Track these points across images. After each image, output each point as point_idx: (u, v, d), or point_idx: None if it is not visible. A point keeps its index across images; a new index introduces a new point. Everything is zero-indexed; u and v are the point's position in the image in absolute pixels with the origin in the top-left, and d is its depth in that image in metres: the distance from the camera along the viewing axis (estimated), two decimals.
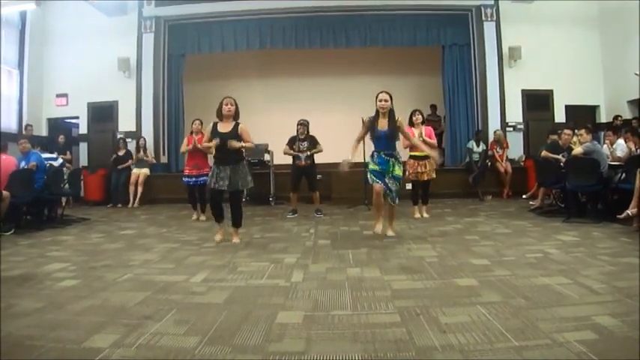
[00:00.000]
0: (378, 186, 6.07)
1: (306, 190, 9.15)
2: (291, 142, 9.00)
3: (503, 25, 12.82)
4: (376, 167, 6.07)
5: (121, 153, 12.17)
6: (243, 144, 6.03)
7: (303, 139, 8.94)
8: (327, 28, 13.23)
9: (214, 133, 6.08)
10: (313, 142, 8.99)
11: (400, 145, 6.67)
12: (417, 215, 8.38)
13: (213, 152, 6.16)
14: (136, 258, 5.40)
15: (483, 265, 4.65)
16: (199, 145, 6.65)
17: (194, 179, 8.51)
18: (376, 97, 6.11)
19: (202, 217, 8.58)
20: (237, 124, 6.11)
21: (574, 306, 3.31)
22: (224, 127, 6.08)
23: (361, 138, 6.34)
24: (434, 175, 8.27)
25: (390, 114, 6.05)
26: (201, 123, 8.62)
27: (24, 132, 11.73)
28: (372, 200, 6.35)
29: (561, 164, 8.16)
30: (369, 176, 6.18)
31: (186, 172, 8.62)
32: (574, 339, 2.69)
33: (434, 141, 8.13)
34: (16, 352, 2.72)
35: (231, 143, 5.93)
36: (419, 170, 8.08)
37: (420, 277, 4.23)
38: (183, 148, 8.73)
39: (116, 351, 2.71)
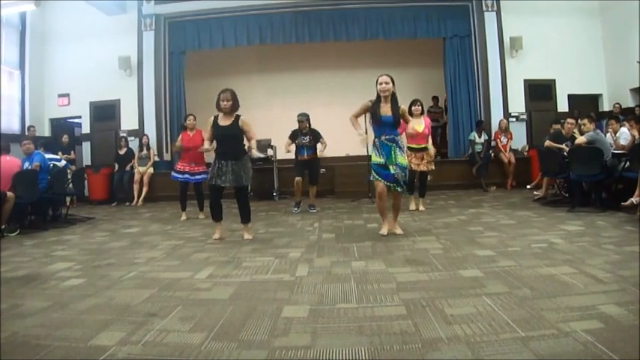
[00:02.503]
0: (381, 185, 5.82)
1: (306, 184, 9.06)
2: (294, 137, 8.86)
3: (504, 15, 12.78)
4: (379, 160, 5.77)
5: (122, 152, 12.20)
6: (253, 151, 6.06)
7: (306, 134, 8.83)
8: (327, 22, 13.21)
9: (215, 127, 6.04)
10: (316, 136, 8.87)
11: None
12: (413, 207, 8.27)
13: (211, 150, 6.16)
14: (140, 256, 5.41)
15: (488, 256, 4.65)
16: (200, 149, 6.64)
17: (186, 176, 8.32)
18: (376, 81, 5.82)
19: (201, 216, 8.47)
20: (237, 117, 6.05)
21: (579, 295, 3.30)
22: (224, 121, 6.02)
23: (357, 116, 5.97)
24: (432, 167, 8.16)
25: (393, 98, 5.79)
26: (195, 118, 8.57)
27: (27, 133, 11.75)
28: (376, 203, 6.09)
29: (565, 154, 8.12)
30: (371, 170, 5.94)
31: (178, 167, 8.43)
32: (580, 328, 2.69)
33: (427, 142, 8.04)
34: (22, 351, 2.72)
35: (252, 153, 6.05)
36: (414, 162, 7.82)
37: (425, 269, 4.23)
38: (176, 147, 8.81)
39: (122, 349, 2.72)
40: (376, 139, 5.87)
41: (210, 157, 6.57)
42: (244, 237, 6.19)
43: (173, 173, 8.52)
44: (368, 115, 6.03)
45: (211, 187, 6.16)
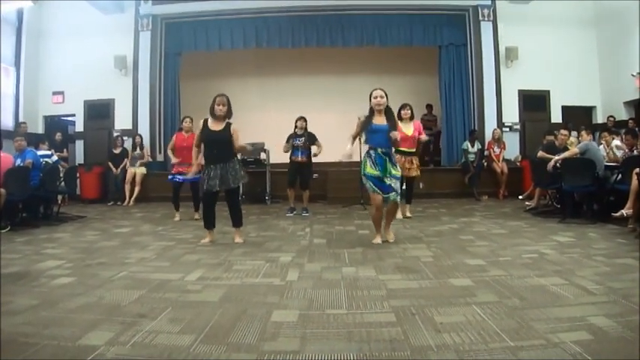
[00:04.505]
0: (378, 198, 5.71)
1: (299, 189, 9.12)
2: (290, 140, 8.99)
3: (500, 25, 12.85)
4: (375, 172, 5.67)
5: (117, 151, 12.16)
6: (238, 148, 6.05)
7: (301, 135, 8.90)
8: (323, 27, 13.24)
9: (205, 131, 5.98)
10: (311, 139, 8.94)
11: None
12: (399, 215, 8.06)
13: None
14: (131, 256, 5.39)
15: (479, 265, 4.66)
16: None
17: (179, 177, 8.29)
18: (370, 95, 5.81)
19: (196, 216, 8.40)
20: (228, 125, 5.99)
21: (569, 306, 3.31)
22: (215, 126, 5.96)
23: (355, 136, 5.95)
24: (418, 173, 8.10)
25: (387, 111, 5.77)
26: (192, 121, 8.56)
27: (18, 129, 11.67)
28: (372, 214, 6.03)
29: (557, 165, 8.14)
30: (366, 182, 5.77)
31: (174, 170, 8.44)
32: (569, 339, 2.70)
33: (423, 136, 8.07)
34: (10, 349, 2.70)
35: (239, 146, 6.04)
36: (406, 166, 7.65)
37: (415, 277, 4.23)
38: (169, 150, 8.79)
39: (111, 349, 2.71)
40: (372, 151, 5.77)
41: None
42: (235, 240, 6.15)
43: (169, 176, 8.54)
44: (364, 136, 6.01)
45: (204, 193, 6.13)
